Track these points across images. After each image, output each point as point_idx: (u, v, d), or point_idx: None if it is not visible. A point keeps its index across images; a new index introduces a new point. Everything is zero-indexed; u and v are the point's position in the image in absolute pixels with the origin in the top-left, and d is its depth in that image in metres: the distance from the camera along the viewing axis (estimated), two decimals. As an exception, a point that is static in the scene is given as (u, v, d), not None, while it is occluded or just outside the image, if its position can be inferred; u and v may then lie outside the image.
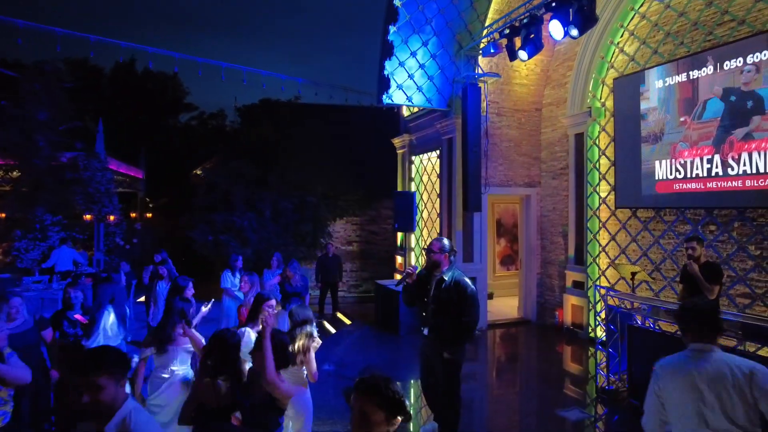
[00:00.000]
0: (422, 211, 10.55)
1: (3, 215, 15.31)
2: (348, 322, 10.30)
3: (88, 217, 15.27)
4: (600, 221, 7.98)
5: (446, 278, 4.30)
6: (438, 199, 9.64)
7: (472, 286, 4.34)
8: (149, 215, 21.62)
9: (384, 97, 8.20)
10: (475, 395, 6.22)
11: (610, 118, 7.78)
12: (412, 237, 10.89)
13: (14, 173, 13.15)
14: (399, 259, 11.36)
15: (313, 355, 3.66)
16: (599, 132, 8.05)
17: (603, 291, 6.01)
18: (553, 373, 6.89)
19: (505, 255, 11.74)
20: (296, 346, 3.55)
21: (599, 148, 8.02)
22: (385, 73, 8.10)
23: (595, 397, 5.86)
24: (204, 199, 12.65)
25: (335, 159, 13.12)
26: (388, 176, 12.00)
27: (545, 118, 9.37)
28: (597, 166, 8.03)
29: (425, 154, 10.28)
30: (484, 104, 8.67)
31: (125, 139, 25.31)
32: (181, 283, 5.22)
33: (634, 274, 6.34)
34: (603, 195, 7.95)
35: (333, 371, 6.72)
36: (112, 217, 15.67)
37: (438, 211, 9.64)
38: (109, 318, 4.82)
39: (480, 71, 8.50)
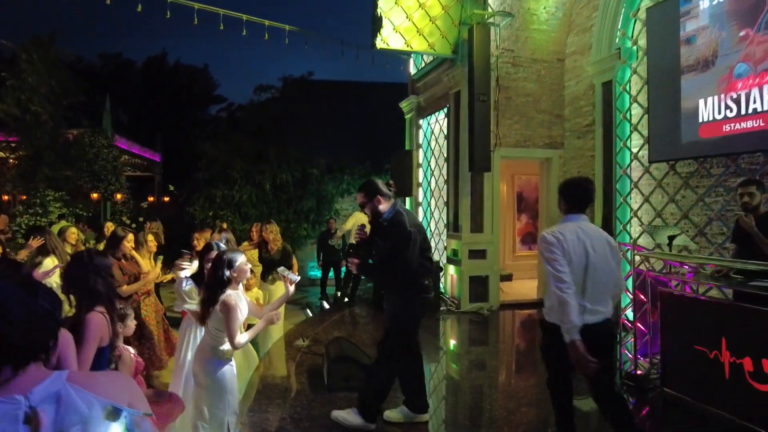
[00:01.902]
0: (430, 179, 9.49)
1: (6, 198, 15.16)
2: (346, 300, 9.37)
3: (95, 195, 14.90)
4: (631, 181, 6.72)
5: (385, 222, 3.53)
6: (446, 164, 8.56)
7: (408, 226, 3.47)
8: (166, 199, 21.24)
9: (377, 40, 7.19)
10: (472, 379, 5.17)
11: (643, 58, 6.51)
12: (420, 210, 9.84)
13: (20, 152, 12.83)
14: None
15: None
16: (630, 76, 6.77)
17: (627, 251, 4.83)
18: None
19: (526, 233, 10.52)
20: None
21: (630, 95, 6.75)
22: (378, 12, 7.09)
23: (618, 384, 4.68)
24: (203, 173, 11.99)
25: (343, 133, 12.32)
26: (398, 147, 11.04)
27: (568, 70, 8.13)
28: (627, 116, 6.77)
29: (433, 116, 9.21)
30: (496, 51, 7.54)
31: (148, 127, 25.31)
32: None
33: (672, 238, 5.10)
34: (635, 150, 6.68)
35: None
36: (119, 196, 15.26)
37: (446, 177, 8.57)
38: None
39: (490, 10, 7.36)
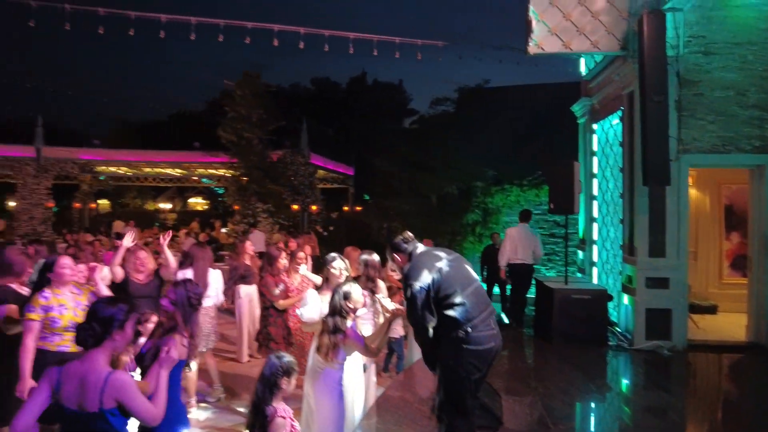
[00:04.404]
0: (605, 191, 8.38)
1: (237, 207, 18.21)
2: (507, 322, 8.86)
3: (295, 207, 17.02)
4: None
5: None
6: (621, 175, 7.45)
7: (418, 282, 3.11)
8: (358, 208, 23.13)
9: (530, 45, 6.62)
10: (647, 428, 4.57)
11: None
12: (595, 226, 8.75)
13: (237, 171, 15.46)
14: (581, 255, 9.28)
15: None
16: None
17: None
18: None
19: (737, 255, 8.49)
20: None
21: None
22: (531, 14, 6.52)
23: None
24: (378, 186, 12.72)
25: (513, 141, 11.77)
26: (571, 155, 10.04)
27: (792, 51, 6.32)
28: None
29: (607, 120, 8.11)
30: (678, 41, 6.28)
31: (348, 141, 27.87)
32: None
33: None
34: None
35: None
36: (314, 207, 17.14)
37: (620, 191, 7.45)
38: None
39: (668, -7, 6.15)
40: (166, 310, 3.02)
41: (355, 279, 4.51)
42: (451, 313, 3.10)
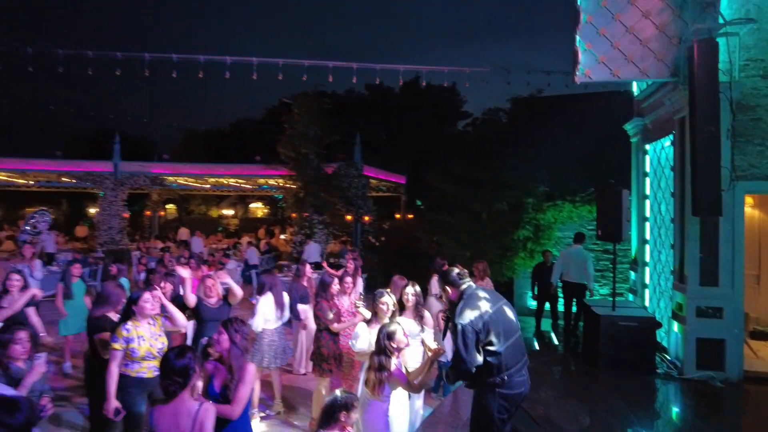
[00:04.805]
0: (656, 214, 8.25)
1: (295, 215, 18.98)
2: (556, 343, 8.92)
3: (348, 217, 17.56)
4: None
5: None
6: (672, 200, 7.35)
7: (471, 325, 3.33)
8: (410, 216, 23.40)
9: (577, 74, 6.69)
10: None
11: None
12: (647, 248, 8.63)
13: (293, 183, 16.21)
14: (633, 275, 9.16)
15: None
16: None
17: None
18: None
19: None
20: None
21: None
22: (577, 45, 6.60)
23: None
24: (429, 200, 12.97)
25: (565, 154, 11.64)
26: (624, 172, 9.88)
27: None
28: None
29: (659, 142, 8.00)
30: (732, 65, 6.18)
31: (400, 145, 28.13)
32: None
33: None
34: None
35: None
36: (367, 218, 17.61)
37: (672, 215, 7.35)
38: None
39: (721, 20, 6.06)
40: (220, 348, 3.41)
41: (401, 310, 4.84)
42: (491, 359, 3.38)
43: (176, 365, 2.75)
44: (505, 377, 3.34)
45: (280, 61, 9.73)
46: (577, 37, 6.59)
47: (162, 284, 6.28)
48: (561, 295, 9.23)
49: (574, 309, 9.17)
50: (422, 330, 4.77)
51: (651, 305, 8.30)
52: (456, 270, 3.74)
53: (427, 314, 4.93)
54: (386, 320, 4.41)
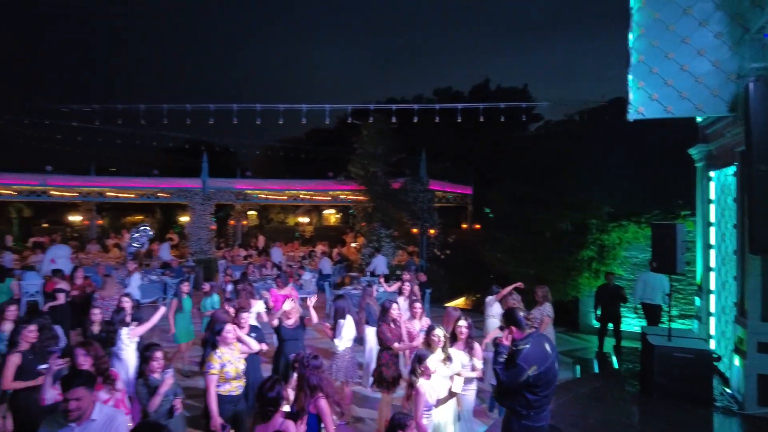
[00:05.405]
0: (720, 243, 8.15)
1: (364, 225, 19.85)
2: (616, 366, 9.01)
3: (414, 230, 18.18)
4: None
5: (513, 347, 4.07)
6: (735, 231, 7.30)
7: (528, 369, 3.83)
8: (477, 226, 23.59)
9: (630, 111, 6.88)
10: None
11: None
12: (712, 276, 8.52)
13: (361, 197, 17.10)
14: (698, 301, 9.04)
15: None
16: None
17: None
18: None
19: None
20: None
21: None
22: (630, 84, 6.79)
23: None
24: (494, 213, 13.30)
25: (631, 172, 11.54)
26: (689, 192, 9.73)
27: None
28: None
29: (724, 171, 7.91)
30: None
31: (467, 153, 28.16)
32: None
33: None
34: None
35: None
36: (432, 231, 18.14)
37: (735, 247, 7.30)
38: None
39: (779, 57, 6.04)
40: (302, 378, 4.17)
41: (453, 340, 5.38)
42: (529, 396, 3.92)
43: (269, 396, 3.54)
44: (532, 413, 3.88)
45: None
46: (630, 77, 6.79)
47: (246, 302, 7.34)
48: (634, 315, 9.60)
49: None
50: (470, 360, 5.29)
51: (716, 333, 8.21)
52: (523, 313, 4.30)
53: (476, 346, 5.44)
54: (438, 351, 4.98)
